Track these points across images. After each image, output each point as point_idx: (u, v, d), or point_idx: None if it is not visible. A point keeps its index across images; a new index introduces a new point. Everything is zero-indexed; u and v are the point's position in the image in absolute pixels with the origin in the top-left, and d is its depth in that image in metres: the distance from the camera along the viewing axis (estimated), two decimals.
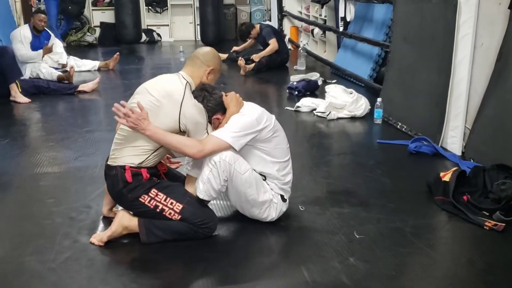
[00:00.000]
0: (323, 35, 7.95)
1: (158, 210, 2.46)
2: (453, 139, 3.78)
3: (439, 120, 3.86)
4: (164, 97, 2.47)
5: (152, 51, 9.47)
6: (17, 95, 5.38)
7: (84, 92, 5.80)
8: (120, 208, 2.64)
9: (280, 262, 2.41)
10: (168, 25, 10.56)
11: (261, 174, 2.65)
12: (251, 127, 2.54)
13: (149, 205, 2.46)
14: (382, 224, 2.72)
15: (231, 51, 7.59)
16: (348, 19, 6.50)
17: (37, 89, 5.67)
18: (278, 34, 7.39)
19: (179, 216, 2.47)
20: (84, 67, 7.08)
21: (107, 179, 2.56)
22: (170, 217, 2.47)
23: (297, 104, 5.03)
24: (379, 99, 4.57)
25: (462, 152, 3.71)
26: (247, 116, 2.57)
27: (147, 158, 2.49)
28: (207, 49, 2.73)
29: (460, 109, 3.71)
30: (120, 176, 2.46)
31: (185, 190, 2.60)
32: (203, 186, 2.52)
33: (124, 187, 2.46)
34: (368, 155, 3.84)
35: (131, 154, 2.49)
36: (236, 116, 2.58)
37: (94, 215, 2.81)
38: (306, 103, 5.01)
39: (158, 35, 10.43)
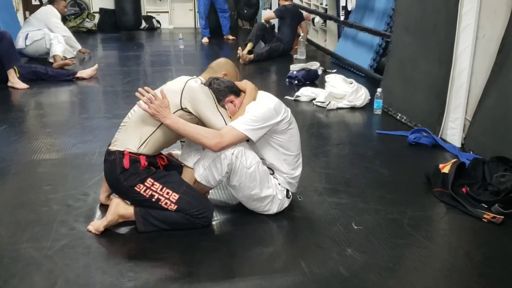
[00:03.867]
0: (324, 24, 7.91)
1: (153, 199, 2.45)
2: (453, 130, 3.76)
3: (439, 111, 3.84)
4: (175, 80, 2.61)
5: (151, 38, 9.42)
6: (15, 80, 5.35)
7: (83, 78, 5.78)
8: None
9: (277, 253, 2.40)
10: (168, 12, 10.50)
11: (269, 168, 2.63)
12: (270, 118, 2.49)
13: (144, 194, 2.45)
14: (380, 215, 2.71)
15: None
16: (349, 8, 6.45)
17: (35, 75, 5.64)
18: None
19: (175, 206, 2.45)
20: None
21: (106, 164, 2.54)
22: (166, 207, 2.46)
23: (297, 93, 5.01)
24: (379, 90, 4.55)
25: (462, 144, 3.70)
26: (266, 106, 2.52)
27: (146, 140, 2.48)
28: (220, 59, 2.85)
29: (460, 101, 3.69)
30: (118, 161, 2.45)
31: (182, 179, 2.58)
32: (203, 172, 2.50)
33: (121, 173, 2.45)
34: (367, 146, 3.83)
35: (131, 137, 2.49)
36: (254, 105, 2.54)
37: (91, 202, 2.80)
38: (305, 93, 4.99)
39: (158, 22, 10.38)
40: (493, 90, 3.41)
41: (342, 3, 6.58)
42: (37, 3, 9.93)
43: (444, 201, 2.84)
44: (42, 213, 2.70)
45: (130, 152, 2.46)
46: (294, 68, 5.71)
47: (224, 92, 2.55)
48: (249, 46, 7.02)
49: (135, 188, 2.45)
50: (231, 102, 2.57)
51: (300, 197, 2.87)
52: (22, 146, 3.73)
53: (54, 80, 5.67)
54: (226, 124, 2.47)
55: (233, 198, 2.79)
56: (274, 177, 2.64)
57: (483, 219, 2.63)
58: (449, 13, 3.72)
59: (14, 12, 7.84)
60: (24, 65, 5.74)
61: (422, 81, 4.14)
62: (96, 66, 6.00)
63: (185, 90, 2.49)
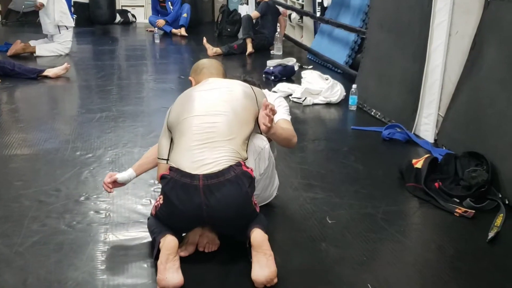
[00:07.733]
0: (300, 20, 7.93)
1: (255, 206, 2.23)
2: (426, 126, 3.81)
3: (412, 107, 3.88)
4: (242, 86, 2.41)
5: (126, 32, 9.33)
6: None
7: (49, 77, 5.46)
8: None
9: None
10: (143, 6, 10.40)
11: None
12: None
13: (253, 202, 2.21)
14: (354, 210, 2.73)
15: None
16: (325, 5, 6.49)
17: (2, 70, 5.43)
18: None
19: (257, 207, 2.27)
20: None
21: (225, 187, 2.07)
22: (257, 210, 2.26)
23: (273, 89, 5.00)
24: (354, 86, 4.58)
25: (435, 140, 3.74)
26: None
27: (244, 150, 2.24)
28: (215, 63, 2.69)
29: (433, 97, 3.74)
30: (241, 174, 2.10)
31: None
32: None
33: (249, 185, 2.12)
34: (342, 141, 3.85)
35: (231, 151, 2.16)
36: (281, 99, 2.77)
37: (64, 198, 2.76)
38: (282, 88, 4.99)
39: (133, 16, 10.27)
40: (465, 86, 3.45)
41: None
42: None
43: (417, 195, 2.88)
44: (13, 209, 2.65)
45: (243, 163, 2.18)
46: (271, 63, 5.72)
47: None
48: (249, 41, 7.06)
49: (252, 197, 2.21)
50: None
51: (276, 192, 2.87)
52: None
53: (19, 77, 5.39)
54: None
55: None
56: None
57: (455, 214, 2.66)
58: (423, 10, 3.76)
59: None
60: None
61: (396, 77, 4.18)
62: (65, 65, 5.61)
63: (256, 94, 2.40)
